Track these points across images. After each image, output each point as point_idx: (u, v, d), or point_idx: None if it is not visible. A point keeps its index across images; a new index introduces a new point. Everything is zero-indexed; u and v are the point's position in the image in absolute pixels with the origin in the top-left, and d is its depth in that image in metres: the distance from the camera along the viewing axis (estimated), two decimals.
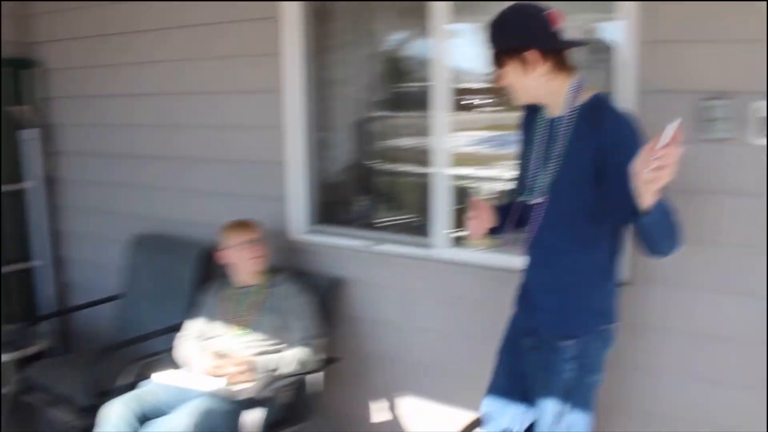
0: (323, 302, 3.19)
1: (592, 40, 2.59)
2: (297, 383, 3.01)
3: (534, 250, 2.25)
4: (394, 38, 3.62)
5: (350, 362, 3.31)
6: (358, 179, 3.95)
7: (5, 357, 3.76)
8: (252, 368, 2.81)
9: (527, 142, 2.26)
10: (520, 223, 2.30)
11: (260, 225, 3.18)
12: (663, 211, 1.80)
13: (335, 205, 3.71)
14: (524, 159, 2.28)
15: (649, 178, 1.65)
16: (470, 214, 2.31)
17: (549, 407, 2.19)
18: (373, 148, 3.80)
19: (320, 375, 3.08)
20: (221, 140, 3.62)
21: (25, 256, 4.49)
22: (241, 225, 3.14)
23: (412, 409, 3.23)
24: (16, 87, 4.31)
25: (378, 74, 3.66)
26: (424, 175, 3.13)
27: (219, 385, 2.77)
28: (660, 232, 1.87)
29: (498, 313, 2.49)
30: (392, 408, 3.30)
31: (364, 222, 3.74)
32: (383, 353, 3.25)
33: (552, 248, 2.18)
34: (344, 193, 3.82)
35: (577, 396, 2.17)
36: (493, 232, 2.36)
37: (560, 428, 2.19)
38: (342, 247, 3.29)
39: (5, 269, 4.36)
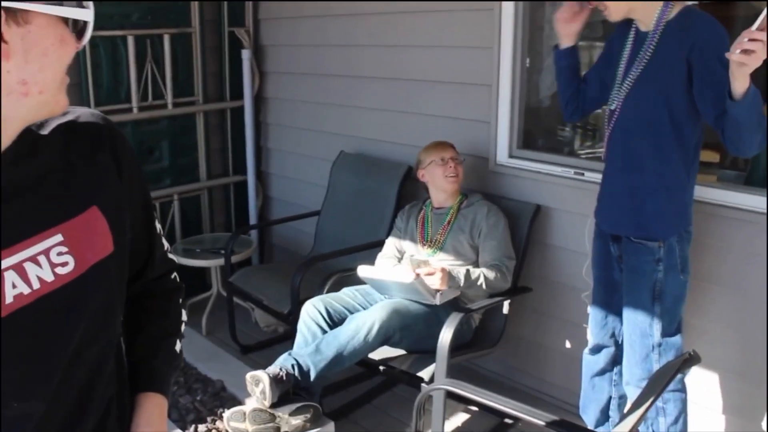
0: (519, 228, 3.11)
1: None
2: (485, 307, 2.95)
3: (617, 154, 2.36)
4: None
5: (540, 291, 3.23)
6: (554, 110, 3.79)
7: (214, 262, 4.02)
8: (446, 276, 2.78)
9: (611, 56, 2.42)
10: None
11: (455, 147, 3.15)
12: (753, 102, 1.92)
13: (539, 131, 3.58)
14: (601, 72, 2.46)
15: (742, 60, 1.80)
16: (564, 14, 2.45)
17: (641, 308, 2.31)
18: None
19: (507, 301, 3.03)
20: (432, 61, 3.56)
21: (231, 170, 4.75)
22: (438, 145, 3.15)
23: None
24: (238, 10, 4.52)
25: None
26: None
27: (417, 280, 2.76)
28: (748, 124, 1.99)
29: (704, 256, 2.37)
30: (577, 342, 3.16)
31: (567, 151, 3.60)
32: (576, 285, 3.12)
33: (635, 153, 2.30)
34: (548, 120, 3.66)
35: (667, 296, 2.29)
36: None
37: (654, 331, 2.31)
38: (544, 174, 3.17)
39: (215, 182, 4.63)
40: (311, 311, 2.89)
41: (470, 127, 3.35)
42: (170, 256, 1.30)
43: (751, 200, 2.54)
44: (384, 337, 2.69)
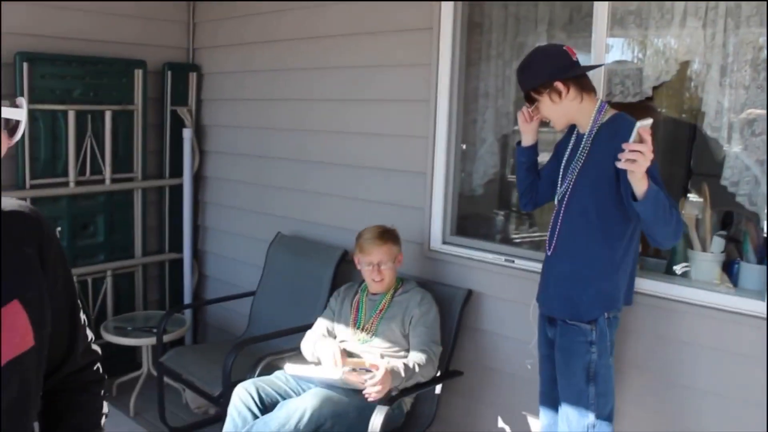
0: (451, 313, 3.15)
1: (604, 64, 2.84)
2: (416, 391, 2.97)
3: (557, 244, 2.52)
4: None
5: (472, 375, 3.26)
6: (498, 194, 3.91)
7: (145, 341, 3.94)
8: (389, 379, 2.73)
9: (558, 156, 2.63)
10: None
11: (396, 233, 3.17)
12: (655, 201, 2.12)
13: (473, 218, 3.67)
14: (552, 170, 2.66)
15: (627, 167, 2.04)
16: (523, 116, 2.68)
17: (576, 389, 2.43)
18: (512, 164, 3.73)
19: (438, 386, 3.06)
20: (368, 147, 3.67)
21: (167, 247, 4.71)
22: (371, 243, 3.09)
23: (534, 429, 3.09)
24: (181, 89, 4.59)
25: None
26: None
27: (344, 377, 2.75)
28: (655, 220, 2.17)
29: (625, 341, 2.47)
30: (509, 425, 3.19)
31: (500, 237, 3.69)
32: (506, 370, 3.18)
33: (568, 241, 2.48)
34: (482, 207, 3.77)
35: (600, 378, 2.41)
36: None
37: (589, 412, 2.41)
38: (476, 261, 3.25)
39: (150, 259, 4.58)
40: (242, 395, 2.86)
41: (406, 213, 3.43)
42: (94, 347, 1.29)
43: (665, 288, 2.68)
44: (315, 425, 2.67)
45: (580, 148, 2.47)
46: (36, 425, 1.19)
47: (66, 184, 4.09)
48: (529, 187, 2.78)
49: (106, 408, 1.30)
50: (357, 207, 3.71)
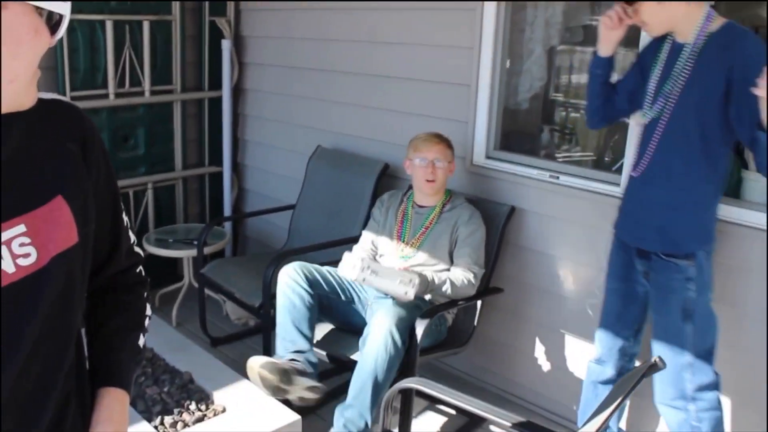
0: (494, 229, 3.11)
1: None
2: (455, 308, 2.98)
3: (648, 168, 2.29)
4: None
5: (513, 293, 3.24)
6: (543, 110, 3.82)
7: (186, 253, 3.99)
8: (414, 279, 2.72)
9: (643, 68, 2.36)
10: None
11: (450, 140, 3.08)
12: None
13: (516, 134, 3.59)
14: (634, 84, 2.39)
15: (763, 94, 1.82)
16: (610, 21, 2.32)
17: (672, 327, 2.29)
18: (560, 80, 3.63)
19: (478, 303, 3.05)
20: (413, 58, 3.55)
21: (207, 161, 4.71)
22: (428, 140, 3.03)
23: (569, 347, 3.10)
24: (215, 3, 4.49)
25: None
26: None
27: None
28: None
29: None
30: (546, 344, 3.20)
31: (544, 154, 3.62)
32: (547, 288, 3.15)
33: (664, 167, 2.25)
34: (527, 122, 3.68)
35: (699, 316, 2.25)
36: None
37: (686, 350, 2.26)
38: (520, 176, 3.18)
39: (190, 172, 4.60)
40: (291, 274, 2.85)
41: (449, 127, 3.35)
42: (136, 249, 1.29)
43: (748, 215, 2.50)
44: (405, 338, 2.66)
45: (680, 61, 2.19)
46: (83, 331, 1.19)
47: (105, 96, 4.07)
48: (603, 104, 2.49)
49: (149, 310, 1.30)
50: (399, 120, 3.64)
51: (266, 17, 4.42)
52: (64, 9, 0.95)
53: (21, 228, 0.97)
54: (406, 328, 2.66)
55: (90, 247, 1.09)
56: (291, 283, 2.83)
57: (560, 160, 3.57)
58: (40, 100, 1.02)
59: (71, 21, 0.99)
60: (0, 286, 0.94)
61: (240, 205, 4.85)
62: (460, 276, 2.86)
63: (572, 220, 3.03)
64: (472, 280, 2.89)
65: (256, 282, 3.29)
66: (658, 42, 2.32)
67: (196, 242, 3.85)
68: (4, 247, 0.95)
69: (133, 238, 1.27)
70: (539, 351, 3.23)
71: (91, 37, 3.94)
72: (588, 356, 2.72)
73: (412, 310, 2.75)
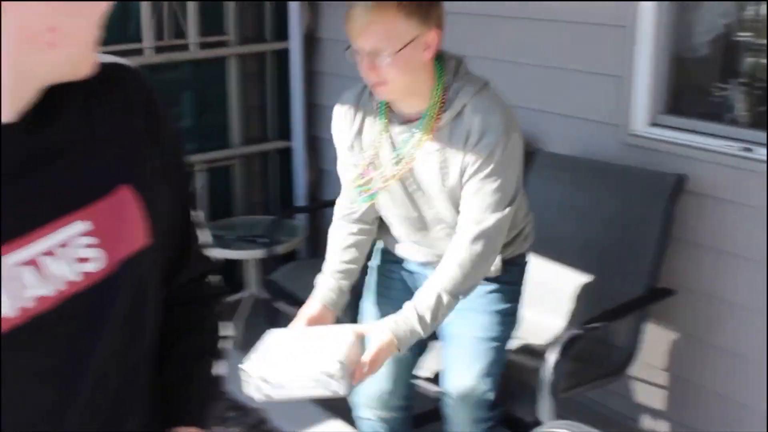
0: (655, 213, 3.10)
1: None
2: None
3: None
4: None
5: (686, 303, 3.23)
6: (723, 58, 3.74)
7: (250, 254, 4.10)
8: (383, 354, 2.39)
9: None
10: None
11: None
12: None
13: (693, 90, 3.55)
14: None
15: None
16: None
17: None
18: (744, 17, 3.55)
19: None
20: None
21: (273, 134, 4.83)
22: (361, 17, 2.41)
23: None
24: None
25: None
26: None
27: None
28: None
29: None
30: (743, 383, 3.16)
31: (731, 118, 3.54)
32: (736, 300, 3.12)
33: None
34: (706, 75, 3.60)
35: None
36: None
37: None
38: (696, 148, 3.17)
39: (251, 149, 4.72)
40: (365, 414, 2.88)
41: (595, 84, 3.34)
42: (209, 252, 1.34)
43: None
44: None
45: None
46: None
47: (140, 51, 4.21)
48: None
49: (227, 329, 1.36)
50: (517, 72, 3.63)
51: None
52: None
53: (85, 225, 1.02)
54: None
55: (162, 249, 1.14)
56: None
57: (748, 126, 3.49)
58: (100, 66, 1.06)
59: None
60: (65, 296, 0.99)
61: (318, 192, 4.94)
62: (454, 268, 2.44)
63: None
64: (486, 249, 2.45)
65: None
66: None
67: (262, 240, 3.92)
68: (65, 248, 1.00)
69: (207, 237, 1.33)
70: (733, 391, 3.19)
71: None
72: None
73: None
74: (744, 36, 3.78)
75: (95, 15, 0.98)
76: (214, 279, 1.35)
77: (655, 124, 3.29)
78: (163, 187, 1.14)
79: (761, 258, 3.00)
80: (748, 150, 3.01)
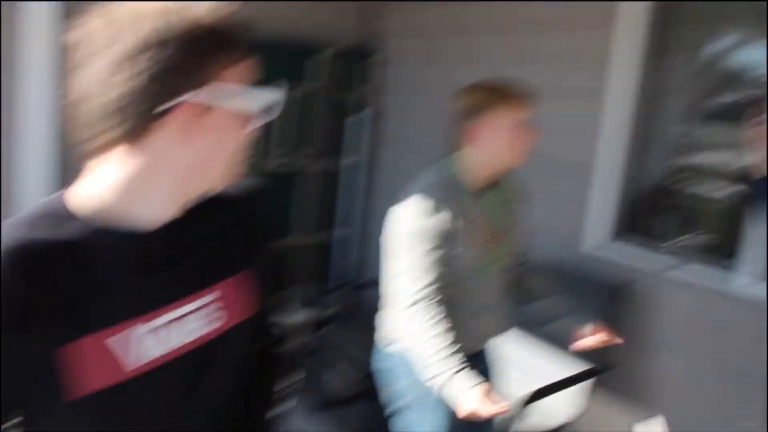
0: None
1: None
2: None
3: None
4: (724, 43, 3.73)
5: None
6: (659, 194, 4.09)
7: (304, 315, 4.87)
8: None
9: None
10: None
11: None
12: None
13: (636, 219, 4.00)
14: None
15: None
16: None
17: None
18: (677, 163, 3.93)
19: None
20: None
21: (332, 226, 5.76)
22: (515, 93, 2.50)
23: None
24: (359, 73, 5.59)
25: (707, 82, 3.79)
26: (734, 197, 3.48)
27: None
28: None
29: None
30: None
31: (660, 241, 3.98)
32: (645, 378, 3.67)
33: None
34: (646, 207, 4.06)
35: None
36: None
37: None
38: (636, 269, 3.70)
39: (319, 237, 5.62)
40: None
41: (557, 208, 3.86)
42: (279, 324, 1.54)
43: None
44: None
45: None
46: None
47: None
48: None
49: (289, 403, 1.56)
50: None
51: (408, 93, 5.28)
52: (276, 97, 1.14)
53: (216, 294, 1.26)
54: None
55: (258, 321, 1.38)
56: None
57: (672, 248, 3.82)
58: (236, 180, 1.24)
59: None
60: (196, 345, 1.21)
61: (362, 272, 5.71)
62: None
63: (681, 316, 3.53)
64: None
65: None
66: None
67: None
68: (202, 311, 1.23)
69: (280, 314, 1.54)
70: None
71: None
72: None
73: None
74: (679, 177, 4.04)
75: (236, 146, 1.16)
76: (279, 351, 1.56)
77: (603, 247, 3.88)
78: (264, 273, 1.38)
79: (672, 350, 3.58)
80: (671, 269, 3.57)
